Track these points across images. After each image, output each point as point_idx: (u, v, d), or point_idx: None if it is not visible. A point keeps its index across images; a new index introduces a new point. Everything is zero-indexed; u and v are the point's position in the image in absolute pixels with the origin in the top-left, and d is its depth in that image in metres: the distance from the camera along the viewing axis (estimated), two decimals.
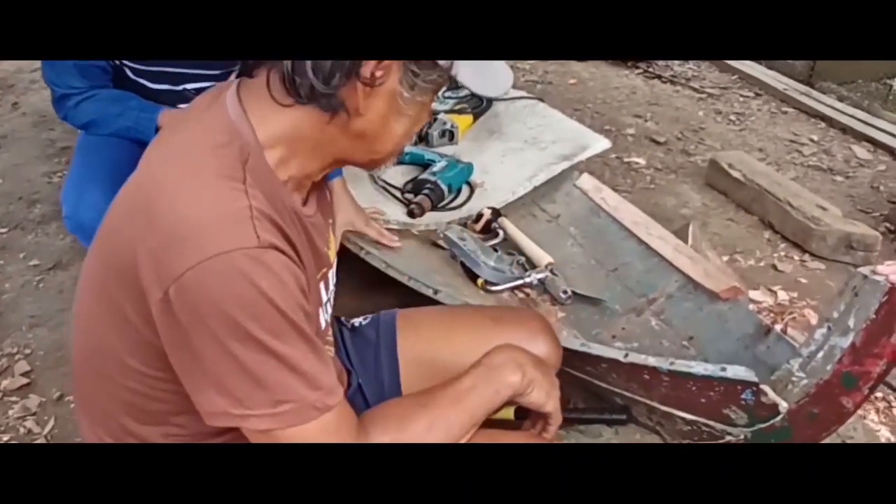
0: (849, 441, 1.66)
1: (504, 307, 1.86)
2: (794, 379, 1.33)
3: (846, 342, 1.25)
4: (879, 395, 2.08)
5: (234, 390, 0.88)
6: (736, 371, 1.36)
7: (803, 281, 2.52)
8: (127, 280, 0.90)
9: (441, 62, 0.94)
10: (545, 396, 1.14)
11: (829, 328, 1.28)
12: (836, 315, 1.27)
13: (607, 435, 1.63)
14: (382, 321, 1.42)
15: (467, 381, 1.09)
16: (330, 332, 1.27)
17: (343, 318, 1.45)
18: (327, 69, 0.88)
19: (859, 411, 2.02)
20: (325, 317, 1.15)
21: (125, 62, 1.81)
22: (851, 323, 1.24)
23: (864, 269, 1.22)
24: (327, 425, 0.93)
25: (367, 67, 0.90)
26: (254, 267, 0.85)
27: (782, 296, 2.41)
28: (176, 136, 0.98)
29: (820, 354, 1.29)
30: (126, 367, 0.98)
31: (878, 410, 2.05)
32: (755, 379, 1.34)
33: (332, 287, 1.19)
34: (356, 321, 1.44)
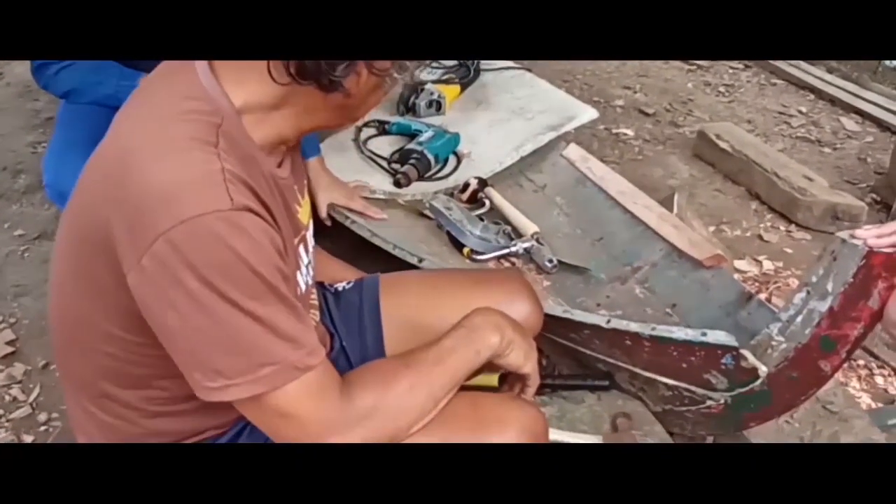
0: (829, 406, 1.67)
1: (486, 269, 1.87)
2: (773, 343, 1.34)
3: (824, 306, 1.25)
4: (861, 362, 2.10)
5: (212, 362, 0.88)
6: (716, 336, 1.37)
7: (789, 251, 2.53)
8: (102, 248, 0.90)
9: None
10: (523, 357, 1.15)
11: (807, 292, 1.28)
12: (814, 279, 1.27)
13: (590, 400, 1.63)
14: (366, 285, 1.42)
15: (448, 342, 1.09)
16: (314, 295, 1.27)
17: (326, 284, 1.45)
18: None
19: (841, 377, 2.05)
20: (305, 279, 1.15)
21: None
22: (830, 287, 1.24)
23: (843, 234, 1.23)
24: (310, 385, 0.93)
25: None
26: (228, 229, 0.84)
27: (767, 266, 2.43)
28: (145, 101, 0.97)
29: (799, 319, 1.30)
30: (105, 333, 0.98)
31: (859, 378, 2.07)
32: (735, 343, 1.35)
33: (311, 249, 1.19)
34: (340, 286, 1.44)
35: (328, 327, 1.35)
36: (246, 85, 0.93)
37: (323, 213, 1.95)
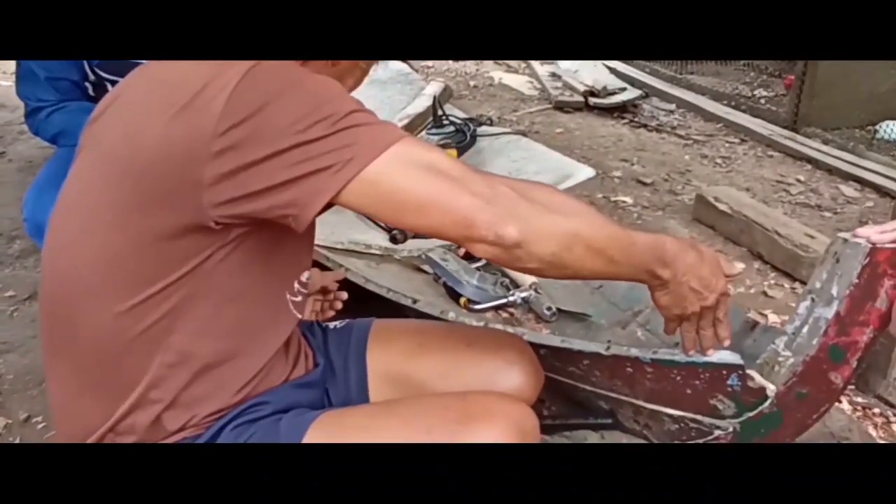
0: (844, 442, 1.59)
1: (482, 329, 1.81)
2: (780, 359, 1.28)
3: (831, 312, 1.20)
4: (877, 410, 2.02)
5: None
6: (720, 355, 1.31)
7: (794, 305, 2.47)
8: (161, 174, 0.93)
9: None
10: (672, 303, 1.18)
11: (812, 300, 1.24)
12: (818, 285, 1.22)
13: (593, 439, 1.56)
14: (357, 328, 1.37)
15: (638, 236, 1.10)
16: None
17: (318, 321, 1.41)
18: None
19: (857, 423, 1.96)
20: None
21: (98, 70, 1.81)
22: (835, 291, 1.19)
23: (844, 234, 1.19)
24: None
25: None
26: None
27: (773, 318, 2.37)
28: None
29: (805, 329, 1.25)
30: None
31: (875, 426, 1.99)
32: (740, 361, 1.30)
33: None
34: (331, 324, 1.40)
35: (311, 345, 1.30)
36: None
37: None
